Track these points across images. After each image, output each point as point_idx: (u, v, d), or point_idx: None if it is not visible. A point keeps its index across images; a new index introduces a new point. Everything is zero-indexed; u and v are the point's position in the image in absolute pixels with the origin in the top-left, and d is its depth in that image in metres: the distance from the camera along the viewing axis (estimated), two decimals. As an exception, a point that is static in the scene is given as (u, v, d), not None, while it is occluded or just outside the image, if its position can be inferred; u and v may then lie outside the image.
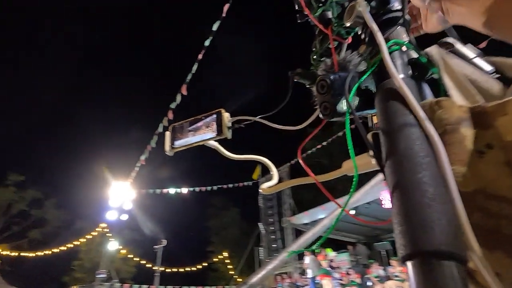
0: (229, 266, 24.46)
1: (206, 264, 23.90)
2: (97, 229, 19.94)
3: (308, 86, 0.61)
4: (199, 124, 0.90)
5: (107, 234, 18.88)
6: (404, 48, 0.45)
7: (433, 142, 0.30)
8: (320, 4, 0.70)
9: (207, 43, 6.70)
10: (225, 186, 17.01)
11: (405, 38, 0.46)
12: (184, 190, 15.29)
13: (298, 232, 13.93)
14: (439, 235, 0.25)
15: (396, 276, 7.61)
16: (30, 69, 38.75)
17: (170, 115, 9.61)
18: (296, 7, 0.74)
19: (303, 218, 11.98)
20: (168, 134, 0.93)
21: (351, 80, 0.48)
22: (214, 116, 0.87)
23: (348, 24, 0.53)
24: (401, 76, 0.38)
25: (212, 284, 17.51)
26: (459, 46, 0.43)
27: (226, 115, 0.86)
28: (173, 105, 8.23)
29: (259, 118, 0.81)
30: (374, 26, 0.43)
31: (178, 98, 7.85)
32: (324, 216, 11.51)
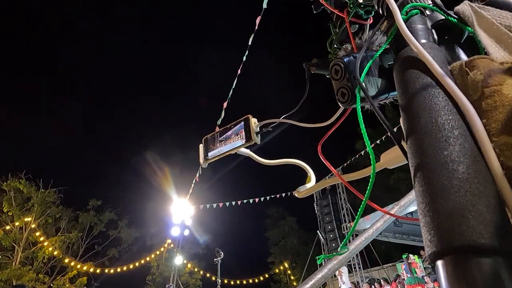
0: (291, 277, 23.98)
1: (267, 276, 23.79)
2: (164, 245, 21.44)
3: (328, 76, 0.57)
4: (228, 133, 0.90)
5: (174, 250, 20.16)
6: (428, 12, 0.38)
7: (464, 108, 0.24)
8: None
9: (244, 58, 6.92)
10: (278, 195, 16.95)
11: (428, 1, 0.39)
12: (238, 202, 15.65)
13: (361, 239, 13.09)
14: (476, 224, 0.18)
15: None
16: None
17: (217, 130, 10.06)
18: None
19: (365, 223, 11.25)
20: (201, 146, 0.95)
21: (364, 59, 0.42)
22: (242, 123, 0.87)
23: (361, 0, 0.48)
24: (423, 41, 0.32)
25: (276, 296, 17.33)
26: (497, -4, 0.35)
27: (253, 121, 0.85)
28: (218, 121, 8.58)
29: (283, 118, 0.78)
30: (387, -7, 0.38)
31: (222, 114, 8.16)
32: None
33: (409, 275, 7.10)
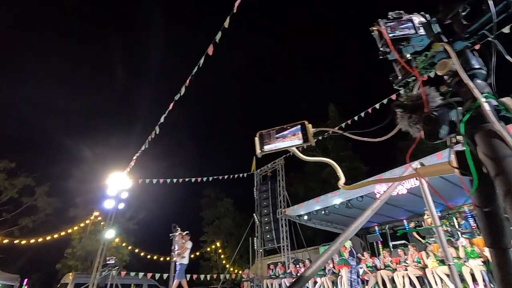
0: (221, 256, 24.91)
1: (198, 254, 24.24)
2: (90, 218, 19.97)
3: (400, 112, 0.83)
4: (285, 132, 1.10)
5: (101, 223, 18.94)
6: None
7: None
8: (401, 45, 0.91)
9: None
10: (220, 177, 17.21)
11: (487, 89, 0.68)
12: (179, 180, 15.46)
13: (291, 224, 14.38)
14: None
15: (387, 266, 8.06)
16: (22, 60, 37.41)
17: (171, 105, 9.75)
18: (380, 47, 0.95)
19: (299, 210, 12.35)
20: (257, 139, 1.13)
21: (443, 114, 0.70)
22: (299, 126, 1.08)
23: (440, 73, 0.75)
24: (497, 121, 0.60)
25: (205, 273, 17.86)
26: (527, 100, 0.65)
27: (309, 126, 1.06)
28: (176, 97, 8.33)
29: (347, 132, 1.02)
30: (471, 84, 0.65)
31: (183, 90, 7.94)
32: (319, 208, 11.83)
33: (338, 258, 8.23)
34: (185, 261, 7.89)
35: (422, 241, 8.61)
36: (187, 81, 7.56)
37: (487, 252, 6.08)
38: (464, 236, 6.76)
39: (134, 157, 12.27)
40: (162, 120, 10.21)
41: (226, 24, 6.35)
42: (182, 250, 7.77)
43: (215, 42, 6.70)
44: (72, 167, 24.40)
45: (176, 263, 7.69)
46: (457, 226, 8.31)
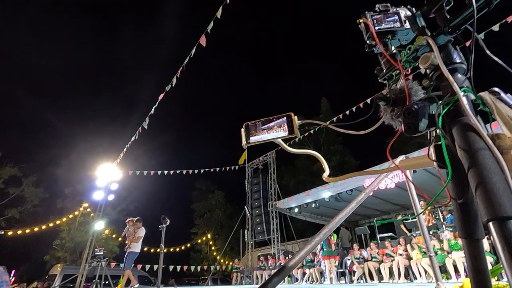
0: (212, 248, 25.06)
1: (189, 245, 24.33)
2: (80, 209, 19.74)
3: (383, 105, 0.84)
4: (271, 124, 1.09)
5: (91, 215, 18.74)
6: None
7: (498, 159, 0.53)
8: (387, 39, 0.91)
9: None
10: (212, 169, 17.20)
11: (465, 84, 0.69)
12: (170, 172, 15.38)
13: (281, 216, 14.54)
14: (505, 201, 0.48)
15: (374, 257, 8.26)
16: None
17: (161, 97, 9.63)
18: (366, 40, 0.95)
19: (289, 202, 12.47)
20: (242, 131, 1.12)
21: (424, 108, 0.71)
22: (285, 118, 1.07)
23: (422, 67, 0.75)
24: (473, 116, 0.61)
25: (195, 265, 17.98)
26: (503, 95, 0.66)
27: (295, 118, 1.06)
28: (167, 87, 8.21)
29: (332, 124, 1.02)
30: (450, 78, 0.65)
31: (174, 81, 7.83)
32: (309, 201, 11.96)
33: (325, 249, 8.38)
34: (136, 249, 7.29)
35: (408, 233, 8.83)
36: (178, 72, 7.45)
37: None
38: (448, 229, 6.96)
39: (124, 149, 12.12)
40: (152, 111, 10.09)
41: (218, 14, 6.25)
42: (133, 239, 7.26)
43: (207, 32, 6.61)
44: (60, 157, 24.00)
45: (126, 251, 7.24)
46: (442, 220, 8.54)
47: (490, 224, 0.49)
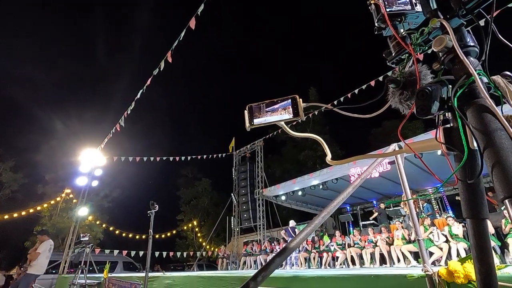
0: (198, 234, 25.20)
1: (174, 232, 24.34)
2: (62, 195, 19.25)
3: (393, 88, 0.83)
4: (275, 106, 1.07)
5: (73, 201, 18.33)
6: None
7: None
8: (397, 21, 0.91)
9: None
10: (199, 156, 17.08)
11: (478, 67, 0.69)
12: (157, 159, 15.17)
13: (268, 204, 14.75)
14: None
15: (356, 243, 8.55)
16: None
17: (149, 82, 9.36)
18: (376, 22, 0.93)
19: (276, 190, 12.61)
20: (246, 113, 1.10)
21: (436, 90, 0.71)
22: (289, 100, 1.06)
23: (435, 50, 0.75)
24: (489, 97, 0.61)
25: (181, 251, 18.07)
26: (516, 79, 0.67)
27: (300, 100, 1.05)
28: (155, 71, 7.98)
29: (337, 108, 1.02)
30: (466, 60, 0.66)
31: (162, 64, 7.60)
32: (296, 189, 12.14)
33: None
34: (34, 270, 5.67)
35: (390, 222, 9.18)
36: (168, 55, 7.23)
37: (445, 231, 6.63)
38: (424, 216, 7.36)
39: (110, 134, 11.80)
40: (138, 96, 9.81)
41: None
42: (32, 256, 5.71)
43: (197, 15, 6.40)
44: (40, 143, 23.13)
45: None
46: (421, 208, 8.92)
47: (507, 201, 0.51)
